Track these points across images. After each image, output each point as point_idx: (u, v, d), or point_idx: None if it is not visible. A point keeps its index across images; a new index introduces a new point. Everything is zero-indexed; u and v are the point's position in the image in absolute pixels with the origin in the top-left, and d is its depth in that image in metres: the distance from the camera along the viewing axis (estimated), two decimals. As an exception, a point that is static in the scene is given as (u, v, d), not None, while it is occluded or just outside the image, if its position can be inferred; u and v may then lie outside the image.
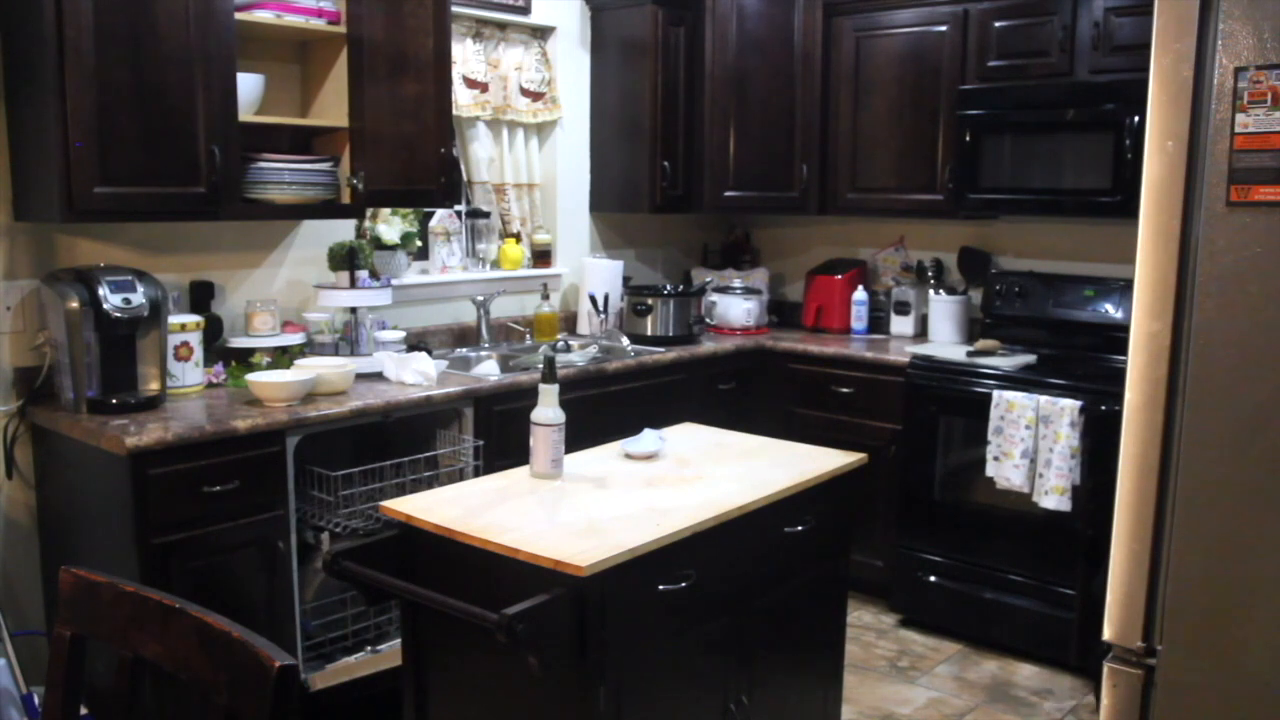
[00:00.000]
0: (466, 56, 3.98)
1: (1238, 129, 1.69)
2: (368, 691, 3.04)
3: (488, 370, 3.44)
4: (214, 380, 3.15)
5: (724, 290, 4.61)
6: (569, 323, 4.42)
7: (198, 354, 3.03)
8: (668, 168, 4.33)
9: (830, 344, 4.28)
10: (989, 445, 3.58)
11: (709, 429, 2.95)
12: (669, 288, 4.37)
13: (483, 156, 4.12)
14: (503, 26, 4.16)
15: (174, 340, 2.96)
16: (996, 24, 3.94)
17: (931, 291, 4.36)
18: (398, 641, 2.73)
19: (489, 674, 2.10)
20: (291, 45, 3.38)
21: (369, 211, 3.60)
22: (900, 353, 4.06)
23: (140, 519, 2.54)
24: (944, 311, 4.29)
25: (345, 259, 3.35)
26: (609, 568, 1.91)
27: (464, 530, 2.04)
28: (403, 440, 3.24)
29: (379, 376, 3.30)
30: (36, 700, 2.72)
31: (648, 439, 2.64)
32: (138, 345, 2.86)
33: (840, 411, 4.12)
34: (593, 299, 4.25)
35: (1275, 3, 1.64)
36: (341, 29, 3.21)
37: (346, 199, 3.25)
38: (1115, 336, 3.77)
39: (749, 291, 4.64)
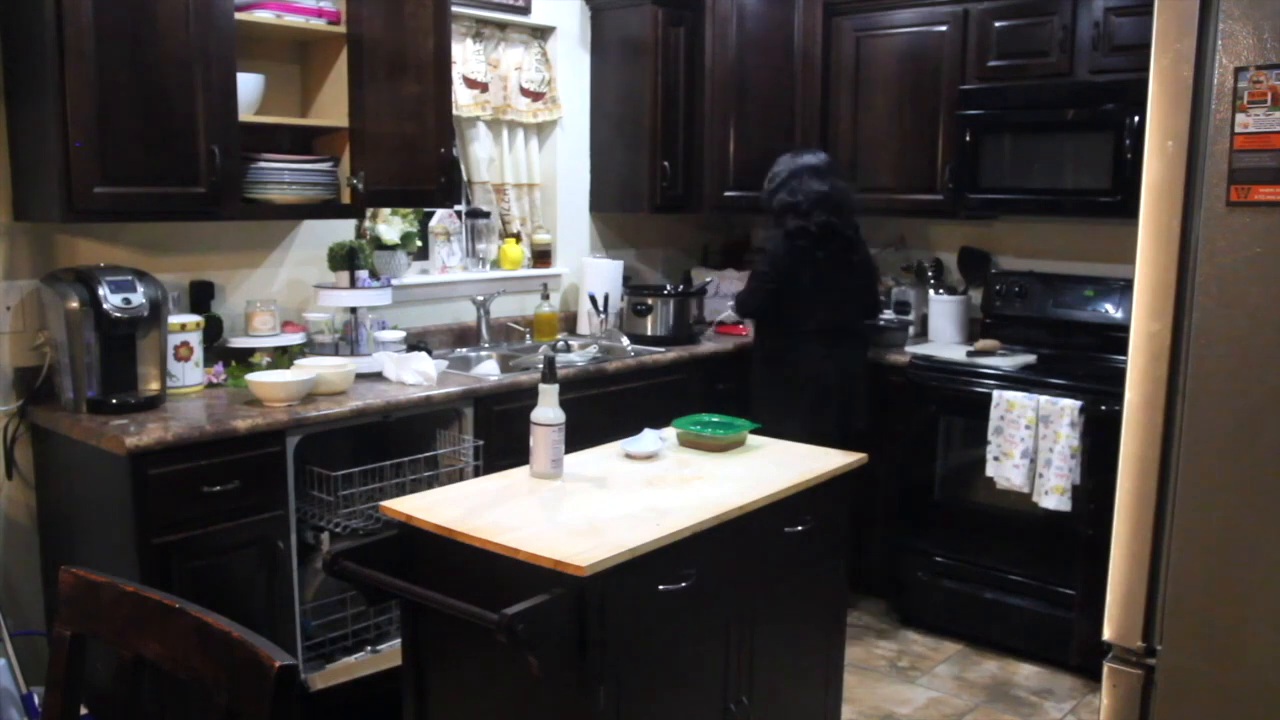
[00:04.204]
0: (466, 56, 3.98)
1: (1238, 129, 1.69)
2: (368, 691, 3.04)
3: (488, 370, 3.44)
4: (214, 380, 3.15)
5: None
6: (569, 323, 4.42)
7: (198, 354, 3.03)
8: (668, 168, 4.33)
9: (830, 344, 4.28)
10: (989, 445, 3.58)
11: (709, 429, 2.95)
12: (669, 288, 4.38)
13: (483, 156, 4.12)
14: (503, 26, 4.16)
15: (174, 340, 2.96)
16: (996, 24, 3.94)
17: (931, 291, 4.36)
18: (398, 641, 2.72)
19: (489, 674, 2.10)
20: (291, 45, 3.37)
21: (369, 211, 3.60)
22: (900, 353, 4.06)
23: (140, 519, 2.55)
24: (944, 311, 4.29)
25: (345, 259, 3.35)
26: (609, 568, 1.91)
27: (464, 530, 2.04)
28: (403, 440, 3.24)
29: (379, 376, 3.30)
30: (36, 700, 2.72)
31: (648, 439, 2.64)
32: (138, 345, 2.86)
33: (840, 411, 4.12)
34: (593, 299, 4.24)
35: (1275, 3, 1.64)
36: (341, 29, 3.21)
37: (346, 199, 3.25)
38: (1115, 336, 3.76)
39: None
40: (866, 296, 3.89)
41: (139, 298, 2.79)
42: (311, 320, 3.40)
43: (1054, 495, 3.42)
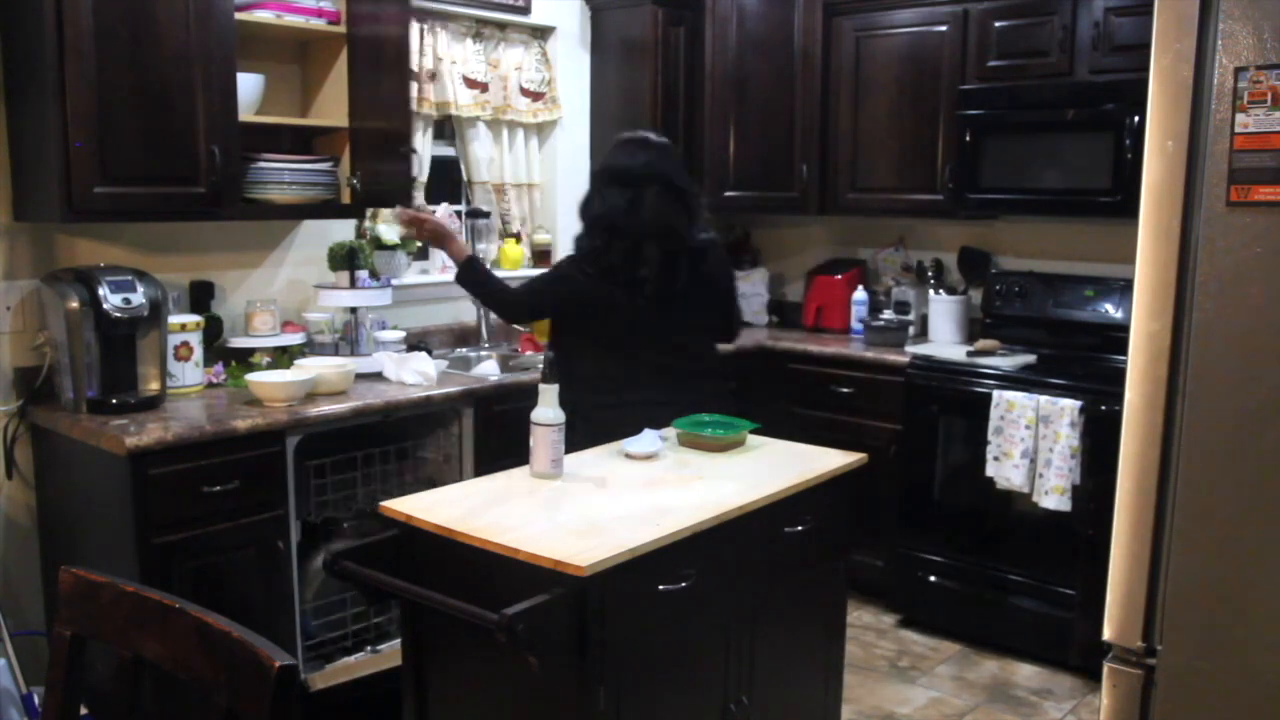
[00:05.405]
0: (466, 56, 3.98)
1: (1238, 129, 1.69)
2: (368, 691, 3.04)
3: (488, 370, 3.44)
4: (214, 380, 3.15)
5: (724, 290, 4.60)
6: (569, 323, 4.41)
7: (198, 354, 3.03)
8: (668, 168, 4.32)
9: (830, 344, 4.28)
10: (989, 445, 3.58)
11: (709, 429, 2.94)
12: (669, 288, 4.36)
13: (483, 156, 4.12)
14: (503, 26, 4.16)
15: (174, 340, 2.96)
16: (996, 24, 3.94)
17: (931, 291, 4.36)
18: (398, 641, 2.72)
19: (489, 674, 2.10)
20: (291, 45, 3.37)
21: (369, 211, 3.60)
22: (900, 353, 4.06)
23: (140, 519, 2.54)
24: (944, 311, 4.29)
25: (345, 259, 3.35)
26: (609, 568, 1.90)
27: (464, 530, 2.03)
28: (403, 440, 3.24)
29: (379, 376, 3.30)
30: (36, 700, 2.72)
31: (648, 439, 2.63)
32: (138, 345, 2.86)
33: (840, 411, 4.12)
34: (593, 299, 4.24)
35: (1275, 3, 1.64)
36: (341, 29, 3.21)
37: (346, 199, 3.25)
38: (1115, 336, 3.76)
39: (749, 292, 4.63)
40: (717, 316, 3.10)
41: (139, 298, 2.79)
42: (311, 320, 3.40)
43: (1054, 495, 3.42)
